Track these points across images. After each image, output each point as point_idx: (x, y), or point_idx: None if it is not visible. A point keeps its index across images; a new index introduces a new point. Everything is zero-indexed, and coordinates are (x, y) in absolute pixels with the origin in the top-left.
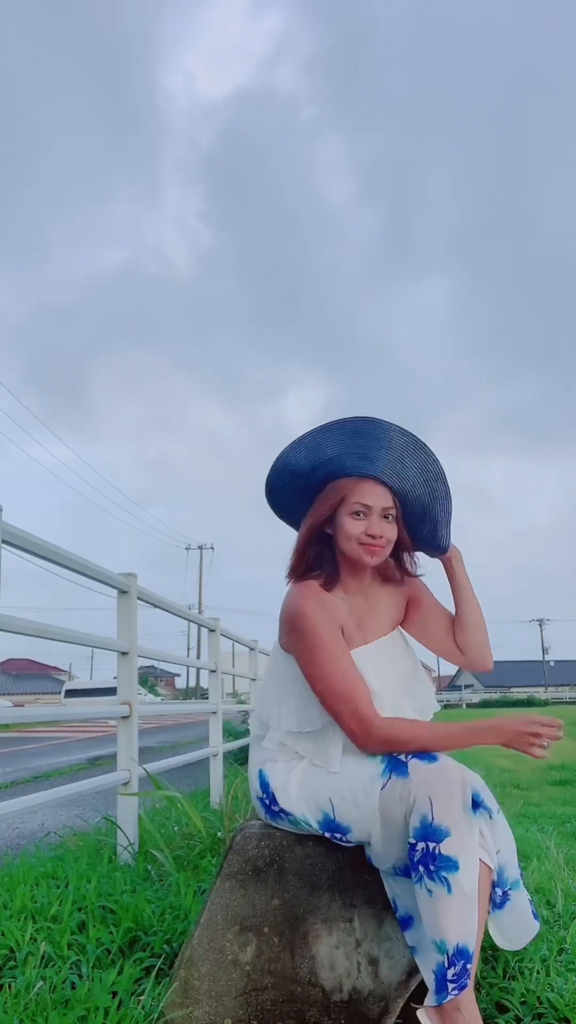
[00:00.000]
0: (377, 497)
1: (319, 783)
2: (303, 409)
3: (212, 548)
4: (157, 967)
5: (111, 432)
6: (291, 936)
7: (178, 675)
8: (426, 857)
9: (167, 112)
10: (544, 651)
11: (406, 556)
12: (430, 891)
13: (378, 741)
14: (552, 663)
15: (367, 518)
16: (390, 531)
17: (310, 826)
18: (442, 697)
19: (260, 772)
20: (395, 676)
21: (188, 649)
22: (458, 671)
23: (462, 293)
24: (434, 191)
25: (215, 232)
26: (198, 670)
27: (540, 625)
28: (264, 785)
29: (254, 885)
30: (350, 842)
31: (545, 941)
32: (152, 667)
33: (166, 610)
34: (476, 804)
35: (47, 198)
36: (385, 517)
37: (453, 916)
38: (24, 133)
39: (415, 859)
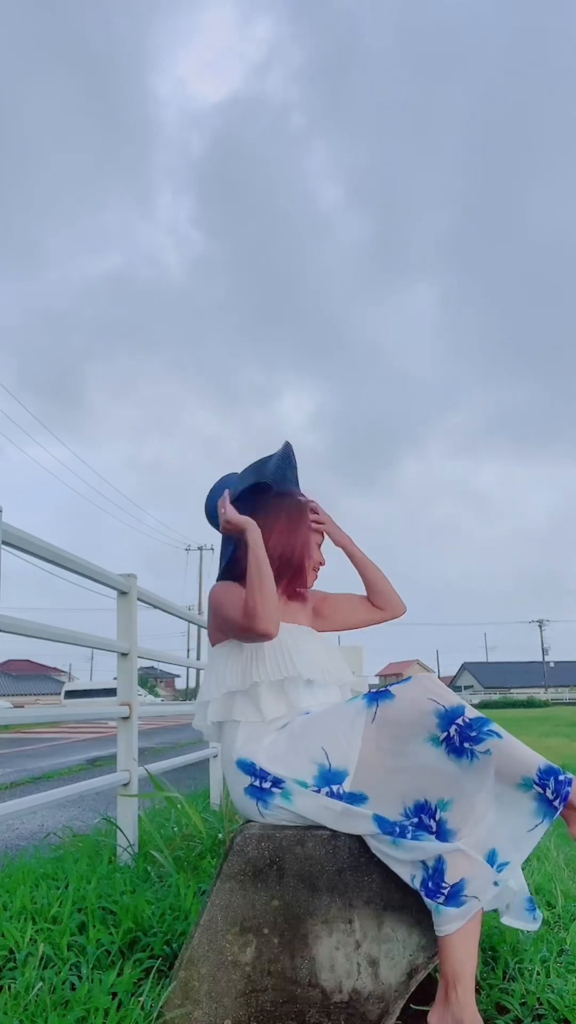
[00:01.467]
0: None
1: (307, 735)
2: (297, 412)
3: (212, 549)
4: (157, 968)
5: (106, 435)
6: (291, 937)
7: (178, 676)
8: (463, 732)
9: (158, 119)
10: (544, 652)
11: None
12: (488, 751)
13: (249, 616)
14: (552, 664)
15: (318, 547)
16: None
17: (306, 787)
18: None
19: (239, 761)
20: (322, 654)
21: (188, 650)
22: (458, 671)
23: (452, 297)
24: (423, 197)
25: (207, 237)
26: (198, 671)
27: (540, 626)
28: (250, 768)
29: (254, 886)
30: (349, 797)
31: (545, 942)
32: (152, 668)
33: (166, 611)
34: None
35: (41, 205)
36: (318, 544)
37: (522, 749)
38: (17, 142)
39: (456, 743)
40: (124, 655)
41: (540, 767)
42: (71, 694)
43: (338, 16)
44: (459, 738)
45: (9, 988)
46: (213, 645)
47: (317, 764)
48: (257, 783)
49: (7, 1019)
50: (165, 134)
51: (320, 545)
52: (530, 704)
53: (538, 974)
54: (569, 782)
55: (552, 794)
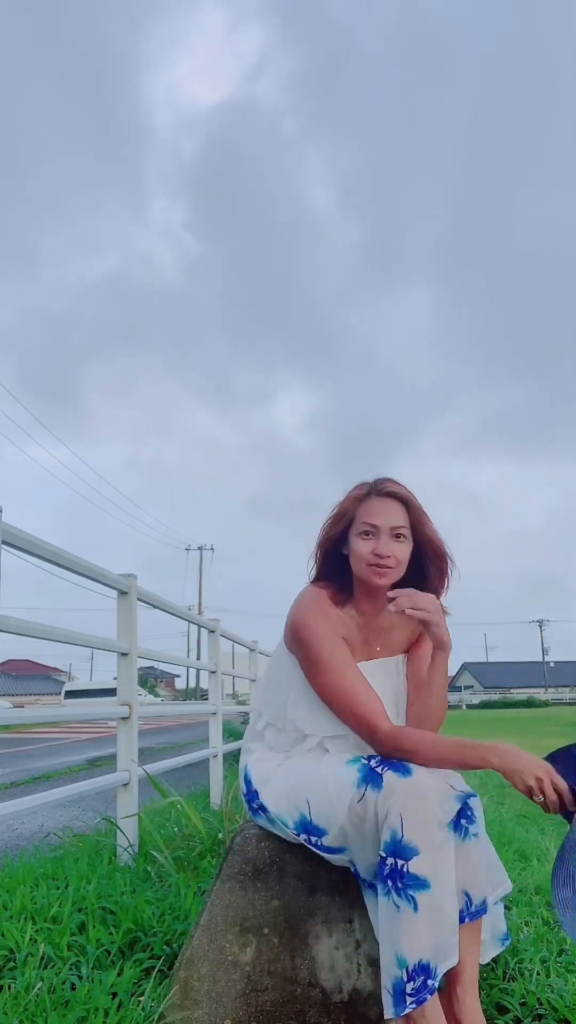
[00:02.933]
0: (385, 516)
1: (299, 781)
2: (293, 414)
3: (212, 549)
4: (157, 968)
5: (103, 436)
6: (291, 937)
7: (178, 676)
8: (394, 873)
9: (151, 124)
10: (544, 652)
11: (432, 589)
12: (396, 906)
13: (385, 748)
14: (552, 664)
15: (375, 538)
16: (400, 551)
17: (287, 827)
18: None
19: (245, 767)
20: (389, 697)
21: (188, 650)
22: (458, 671)
23: (447, 300)
24: (416, 201)
25: (202, 240)
26: (198, 671)
27: (540, 626)
28: (247, 780)
29: (254, 886)
30: (327, 848)
31: (545, 942)
32: (152, 668)
33: (166, 611)
34: (457, 820)
35: (36, 208)
36: (396, 536)
37: (417, 933)
38: (12, 145)
39: (384, 873)
40: (124, 655)
41: (421, 962)
42: (71, 694)
43: (329, 22)
44: (390, 870)
45: (9, 988)
46: (287, 647)
47: (300, 812)
48: (248, 796)
49: (7, 1019)
50: (158, 139)
51: (376, 536)
52: (530, 704)
53: (538, 974)
54: (428, 991)
55: (412, 990)
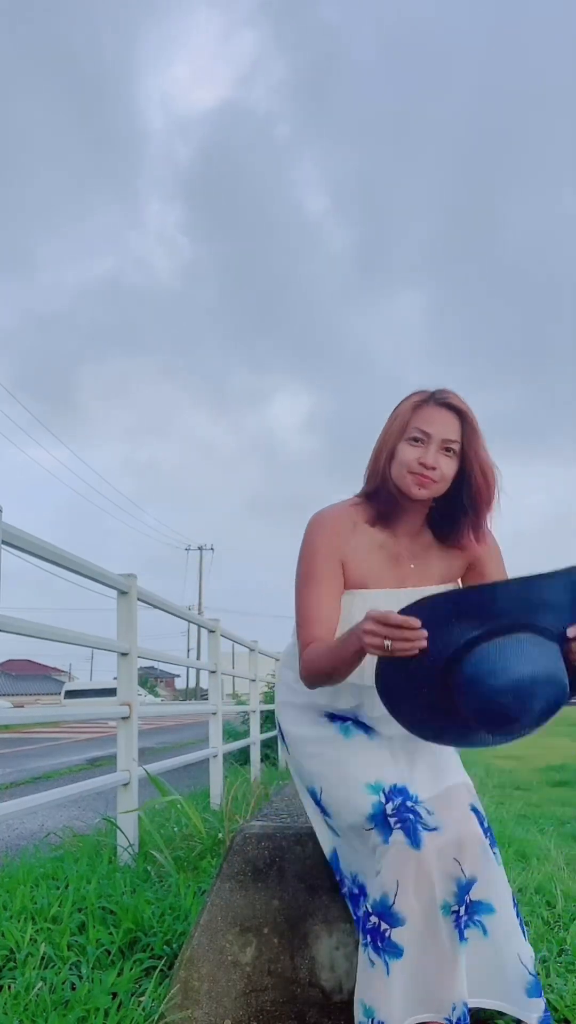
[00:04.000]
0: (439, 425)
1: (315, 766)
2: (290, 415)
3: (212, 549)
4: (157, 968)
5: (100, 437)
6: (291, 937)
7: (178, 676)
8: (376, 933)
9: (146, 129)
10: None
11: (472, 518)
12: (371, 962)
13: (301, 670)
14: None
15: (424, 446)
16: (447, 465)
17: (303, 785)
18: None
19: (279, 716)
20: None
21: (188, 650)
22: None
23: (439, 302)
24: (407, 205)
25: (197, 244)
26: (198, 671)
27: None
28: (280, 728)
29: (254, 886)
30: (334, 827)
31: (545, 942)
32: (152, 668)
33: (166, 611)
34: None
35: (31, 212)
36: (446, 450)
37: (387, 995)
38: (7, 150)
39: (366, 927)
40: (124, 655)
41: (381, 1021)
42: (71, 694)
43: (321, 28)
44: (372, 928)
45: (9, 988)
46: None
47: (313, 787)
48: (283, 738)
49: (7, 1019)
50: (153, 143)
51: (425, 444)
52: None
53: (538, 974)
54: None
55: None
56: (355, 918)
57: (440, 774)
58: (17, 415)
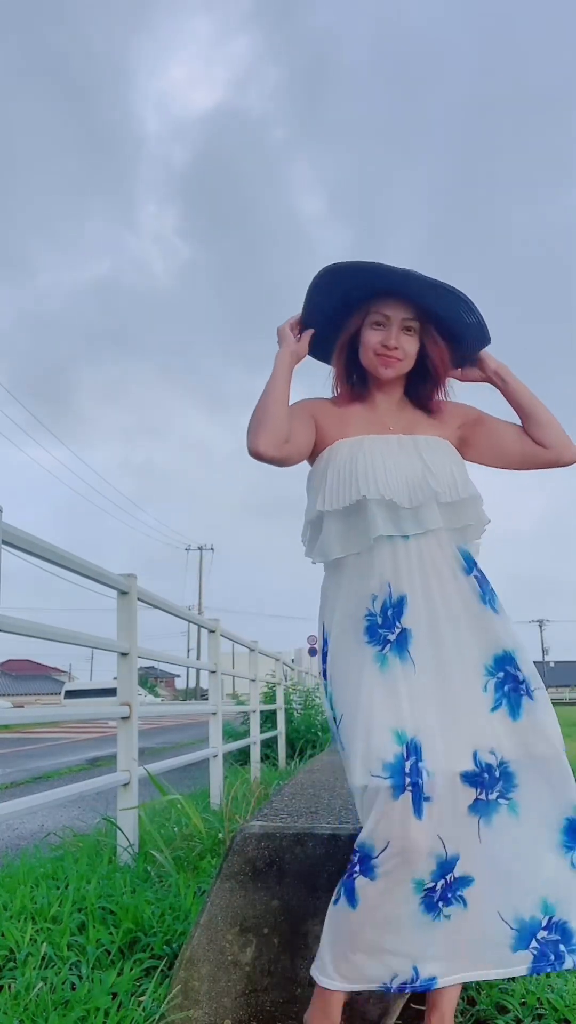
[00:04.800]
0: (397, 308)
1: (347, 688)
2: None
3: (212, 549)
4: (158, 968)
5: (97, 438)
6: (291, 937)
7: (178, 676)
8: (352, 868)
9: (141, 133)
10: (544, 652)
11: (434, 380)
12: (338, 895)
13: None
14: (552, 664)
15: (386, 329)
16: (408, 344)
17: (328, 703)
18: None
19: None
20: (402, 474)
21: (188, 650)
22: None
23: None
24: (401, 207)
25: (193, 246)
26: (198, 671)
27: (540, 626)
28: (320, 632)
29: (254, 886)
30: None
31: None
32: (152, 668)
33: (166, 611)
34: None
35: (27, 216)
36: (406, 330)
37: (335, 926)
38: (3, 155)
39: (353, 857)
40: (124, 655)
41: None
42: (71, 694)
43: (314, 33)
44: (350, 867)
45: (9, 988)
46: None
47: (333, 712)
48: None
49: (7, 1019)
50: (148, 147)
51: (386, 327)
52: None
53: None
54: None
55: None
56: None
57: (455, 734)
58: (15, 414)
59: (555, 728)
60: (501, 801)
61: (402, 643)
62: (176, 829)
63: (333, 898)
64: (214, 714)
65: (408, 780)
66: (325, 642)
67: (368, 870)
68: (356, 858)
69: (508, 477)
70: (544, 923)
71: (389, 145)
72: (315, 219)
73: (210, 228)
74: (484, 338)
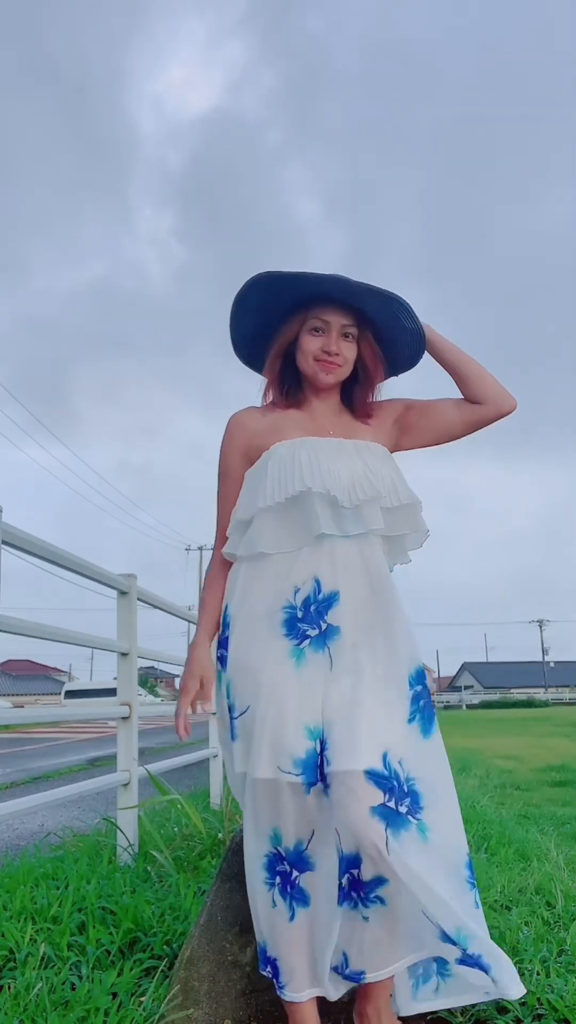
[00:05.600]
0: (336, 314)
1: (259, 682)
2: None
3: (212, 549)
4: (158, 968)
5: (92, 439)
6: None
7: (178, 676)
8: (286, 877)
9: (137, 137)
10: (544, 652)
11: (366, 385)
12: (274, 903)
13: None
14: (552, 664)
15: (325, 335)
16: (348, 350)
17: (222, 695)
18: (442, 698)
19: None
20: (344, 476)
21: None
22: (459, 671)
23: (427, 306)
24: (396, 210)
25: (189, 249)
26: None
27: (540, 626)
28: (223, 620)
29: None
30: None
31: (545, 942)
32: (152, 668)
33: (166, 611)
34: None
35: (25, 220)
36: (345, 336)
37: (290, 942)
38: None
39: (275, 868)
40: (124, 655)
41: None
42: (71, 694)
43: (307, 38)
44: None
45: (9, 988)
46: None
47: (230, 704)
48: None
49: (7, 1019)
50: (143, 151)
51: (326, 332)
52: (530, 704)
53: (538, 974)
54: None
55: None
56: (266, 854)
57: (367, 732)
58: (14, 414)
59: (447, 759)
60: (411, 819)
61: (324, 639)
62: (176, 829)
63: (264, 905)
64: (214, 714)
65: (318, 775)
66: (227, 627)
67: (305, 864)
68: (285, 867)
69: (508, 476)
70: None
71: (384, 148)
72: (311, 221)
73: (206, 230)
74: (420, 345)
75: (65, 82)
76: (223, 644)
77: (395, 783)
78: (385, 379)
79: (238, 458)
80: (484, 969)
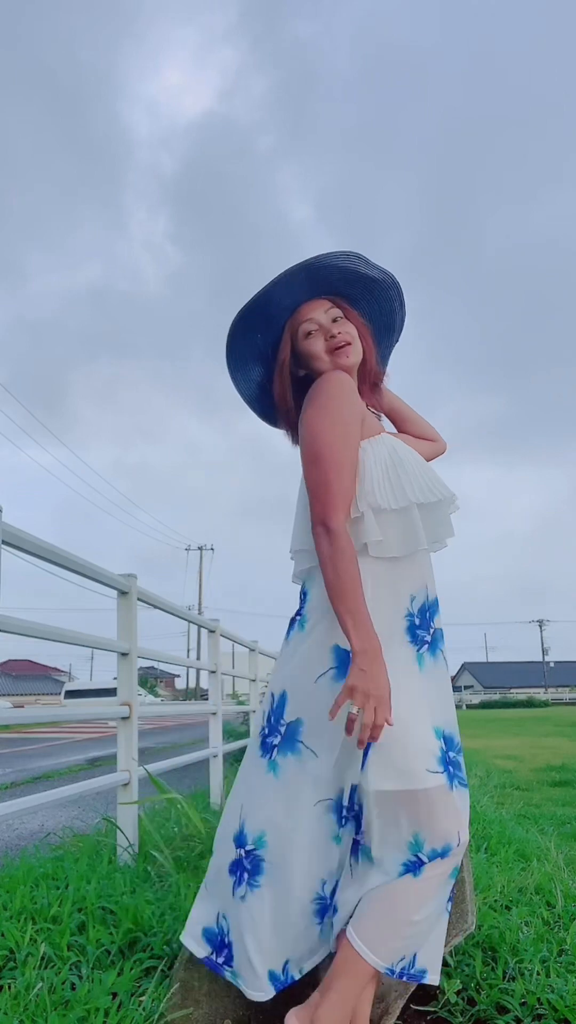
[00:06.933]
0: (314, 310)
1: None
2: None
3: (212, 549)
4: (158, 968)
5: (90, 440)
6: None
7: (178, 676)
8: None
9: (131, 141)
10: (544, 652)
11: (372, 376)
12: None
13: (325, 538)
14: (552, 664)
15: (320, 330)
16: (346, 326)
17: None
18: None
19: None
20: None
21: (188, 650)
22: (458, 671)
23: (420, 310)
24: (388, 213)
25: (183, 252)
26: (198, 671)
27: (540, 626)
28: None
29: None
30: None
31: (545, 942)
32: (152, 668)
33: (166, 611)
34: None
35: (20, 224)
36: (335, 320)
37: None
38: None
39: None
40: (124, 655)
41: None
42: (71, 694)
43: (298, 43)
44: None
45: (9, 988)
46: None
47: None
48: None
49: (7, 1019)
50: (137, 155)
51: (320, 328)
52: (530, 704)
53: (538, 974)
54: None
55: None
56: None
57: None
58: (14, 414)
59: None
60: None
61: (437, 642)
62: (176, 829)
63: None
64: (214, 714)
65: (451, 771)
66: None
67: (444, 854)
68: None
69: (508, 477)
70: None
71: (375, 152)
72: (304, 224)
73: (200, 233)
74: (394, 290)
75: (59, 86)
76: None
77: None
78: (383, 343)
79: (359, 421)
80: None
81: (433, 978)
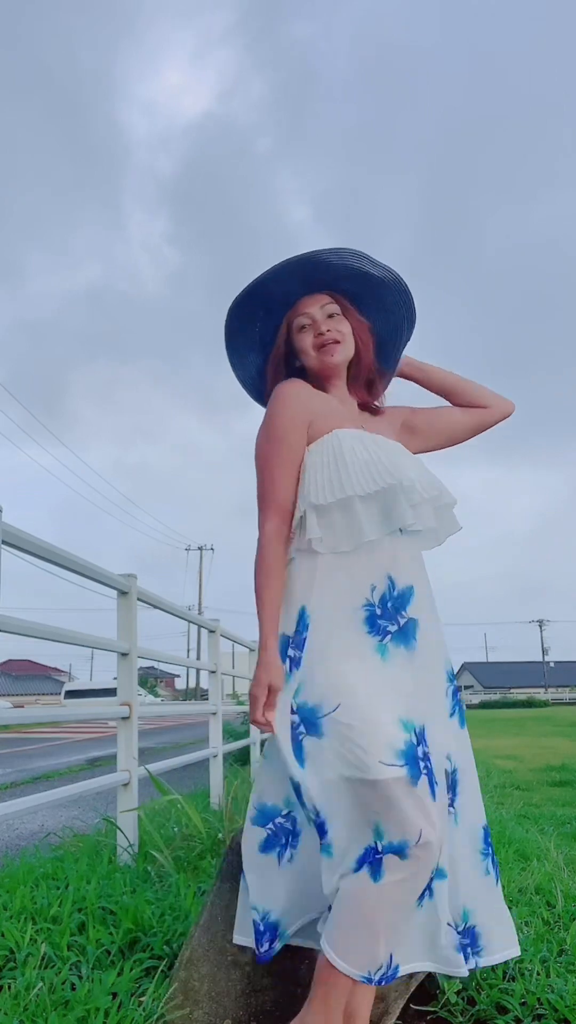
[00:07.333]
0: (311, 303)
1: (348, 679)
2: None
3: (212, 549)
4: (158, 968)
5: (89, 440)
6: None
7: (178, 676)
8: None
9: (129, 142)
10: (544, 652)
11: (367, 374)
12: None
13: (257, 546)
14: (552, 664)
15: (312, 324)
16: (339, 325)
17: (307, 694)
18: None
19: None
20: (411, 460)
21: (188, 650)
22: (458, 672)
23: (419, 310)
24: (386, 214)
25: (182, 253)
26: (198, 671)
27: (540, 626)
28: (303, 618)
29: None
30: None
31: (545, 942)
32: (152, 668)
33: (166, 611)
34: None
35: (19, 225)
36: (330, 316)
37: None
38: None
39: (375, 857)
40: (124, 655)
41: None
42: (71, 694)
43: (296, 45)
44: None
45: (9, 988)
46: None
47: (315, 705)
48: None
49: (7, 1019)
50: (135, 156)
51: (313, 324)
52: (530, 704)
53: (538, 974)
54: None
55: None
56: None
57: (441, 731)
58: (14, 414)
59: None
60: (450, 809)
61: (409, 632)
62: (176, 829)
63: (350, 871)
64: (214, 714)
65: (422, 766)
66: (304, 628)
67: (400, 850)
68: (390, 858)
69: (507, 477)
70: (461, 928)
71: (374, 152)
72: (303, 225)
73: (198, 235)
74: (402, 291)
75: (58, 88)
76: (297, 645)
77: (452, 779)
78: (384, 342)
79: (300, 428)
80: (475, 939)
81: (414, 966)
